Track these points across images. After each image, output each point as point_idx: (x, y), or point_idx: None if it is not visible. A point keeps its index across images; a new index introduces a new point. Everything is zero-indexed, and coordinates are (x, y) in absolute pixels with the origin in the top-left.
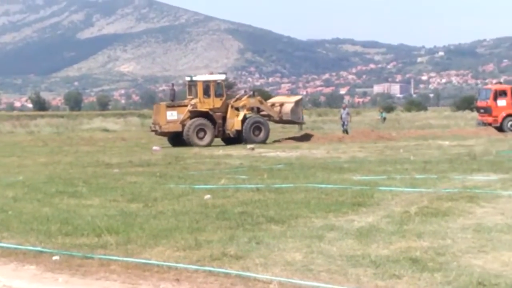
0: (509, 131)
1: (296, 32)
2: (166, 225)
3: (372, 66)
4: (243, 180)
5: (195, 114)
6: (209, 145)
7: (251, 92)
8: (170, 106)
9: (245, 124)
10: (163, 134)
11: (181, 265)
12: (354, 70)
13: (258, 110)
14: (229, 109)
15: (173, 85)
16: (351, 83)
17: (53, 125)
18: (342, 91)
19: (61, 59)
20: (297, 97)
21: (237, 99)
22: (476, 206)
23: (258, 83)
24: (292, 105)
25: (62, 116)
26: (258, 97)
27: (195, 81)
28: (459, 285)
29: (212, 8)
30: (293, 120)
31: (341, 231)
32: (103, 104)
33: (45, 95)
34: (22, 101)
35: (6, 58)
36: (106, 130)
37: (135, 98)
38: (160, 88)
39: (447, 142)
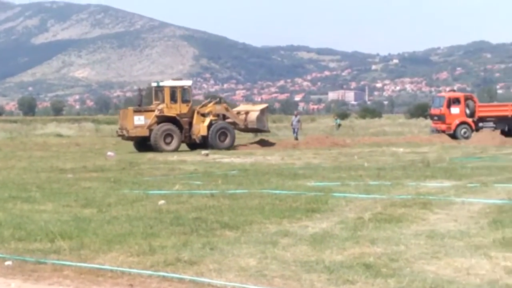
0: (462, 138)
1: (251, 38)
2: (120, 231)
3: (327, 73)
4: (197, 186)
5: (162, 119)
6: (176, 150)
7: (217, 99)
8: (137, 111)
9: (211, 129)
10: (130, 138)
11: (135, 270)
12: (309, 77)
13: (224, 117)
14: (195, 114)
15: (140, 90)
16: (306, 90)
17: (6, 130)
18: (297, 97)
19: (15, 64)
20: (263, 106)
21: (203, 105)
22: (430, 213)
23: (213, 90)
24: (257, 113)
25: (15, 121)
26: (224, 104)
27: (162, 87)
28: None
29: (168, 15)
30: (259, 128)
31: (295, 237)
32: (57, 110)
33: None
34: None
35: None
36: (60, 135)
37: (90, 103)
38: (115, 94)
39: (401, 149)
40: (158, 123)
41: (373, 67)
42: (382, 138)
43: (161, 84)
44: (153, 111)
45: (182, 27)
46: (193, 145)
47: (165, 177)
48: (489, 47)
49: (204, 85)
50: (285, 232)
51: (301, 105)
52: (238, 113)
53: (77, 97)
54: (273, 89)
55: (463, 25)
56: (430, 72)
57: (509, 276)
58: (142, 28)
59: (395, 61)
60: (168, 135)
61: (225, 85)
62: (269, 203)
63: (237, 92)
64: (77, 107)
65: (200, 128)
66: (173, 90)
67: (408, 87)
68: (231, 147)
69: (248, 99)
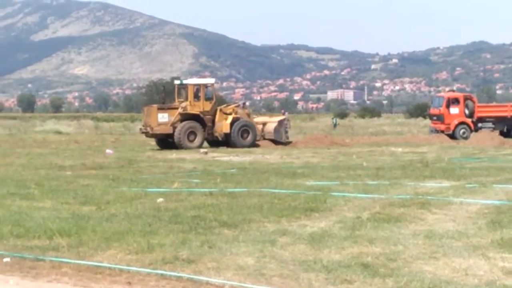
0: (461, 138)
1: (251, 37)
2: (119, 228)
3: (326, 72)
4: (196, 184)
5: (185, 116)
6: (199, 147)
7: (242, 103)
8: (161, 109)
9: (234, 127)
10: (154, 136)
11: (133, 268)
12: (308, 76)
13: None
14: (218, 112)
15: (164, 87)
16: (305, 89)
17: (5, 127)
18: (296, 96)
19: (14, 60)
20: (281, 117)
21: (226, 106)
22: (428, 213)
23: None
24: (275, 124)
25: (15, 118)
26: (247, 110)
27: (185, 84)
28: None
29: (167, 12)
30: (276, 139)
31: (293, 236)
32: (56, 107)
33: None
34: None
35: None
36: (59, 132)
37: (89, 101)
38: (114, 92)
39: (400, 149)
40: (181, 120)
41: (373, 66)
42: (381, 137)
43: (184, 82)
44: (177, 108)
45: (182, 25)
46: (216, 143)
47: (164, 175)
48: (489, 47)
49: None
50: (284, 231)
51: (300, 104)
52: (256, 123)
53: (76, 94)
54: (272, 88)
55: (463, 25)
56: (430, 72)
57: (507, 277)
58: (142, 26)
59: (395, 60)
60: (191, 132)
61: (225, 84)
62: (268, 202)
63: (236, 90)
64: (76, 104)
65: (223, 125)
66: (196, 88)
67: (408, 86)
68: (253, 144)
69: (247, 98)
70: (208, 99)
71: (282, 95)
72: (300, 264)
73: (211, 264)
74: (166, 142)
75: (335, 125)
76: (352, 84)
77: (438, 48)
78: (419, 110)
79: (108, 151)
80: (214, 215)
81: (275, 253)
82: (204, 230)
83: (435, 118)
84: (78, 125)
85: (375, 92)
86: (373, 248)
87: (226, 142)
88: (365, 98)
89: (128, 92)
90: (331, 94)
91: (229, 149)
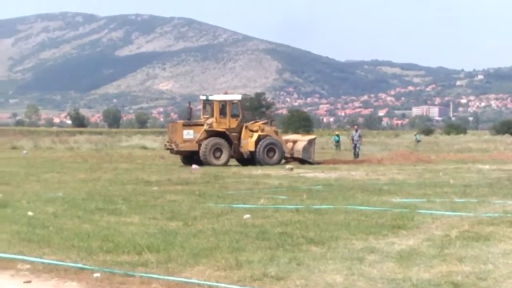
0: None
1: (335, 53)
2: (206, 244)
3: (411, 88)
4: (282, 200)
5: (211, 133)
6: (225, 164)
7: (270, 121)
8: (187, 125)
9: (259, 145)
10: (179, 152)
11: (222, 284)
12: (392, 92)
13: None
14: (244, 129)
15: (189, 103)
16: (390, 105)
17: (92, 142)
18: (381, 113)
19: (100, 76)
20: (311, 136)
21: (253, 122)
22: None
23: (296, 104)
24: (305, 143)
25: (101, 133)
26: (274, 128)
27: (211, 101)
28: None
29: (251, 28)
30: (304, 158)
31: (381, 254)
32: (141, 122)
33: (84, 112)
34: (62, 117)
35: (45, 74)
36: (144, 147)
37: (174, 116)
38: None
39: (487, 166)
40: (207, 137)
41: (458, 82)
42: (467, 154)
43: (210, 98)
44: (202, 125)
45: (266, 41)
46: (243, 160)
47: (250, 191)
48: None
49: (288, 99)
50: (372, 249)
51: (385, 120)
52: (286, 141)
53: (161, 109)
54: (356, 104)
55: None
56: None
57: None
58: (225, 42)
59: (480, 77)
60: (217, 149)
61: (308, 99)
62: (354, 219)
63: (321, 106)
64: (161, 119)
65: (248, 143)
66: (222, 104)
67: (493, 103)
68: (279, 163)
69: (331, 114)
70: (234, 115)
71: (367, 111)
72: (389, 283)
73: (300, 282)
74: (191, 159)
75: (418, 141)
76: (437, 100)
77: None
78: (506, 127)
79: (194, 166)
80: (301, 232)
81: (364, 271)
82: (291, 247)
83: None
84: (163, 141)
85: (460, 109)
86: (462, 267)
87: (251, 160)
88: (451, 114)
89: None
90: (416, 110)
91: (314, 165)
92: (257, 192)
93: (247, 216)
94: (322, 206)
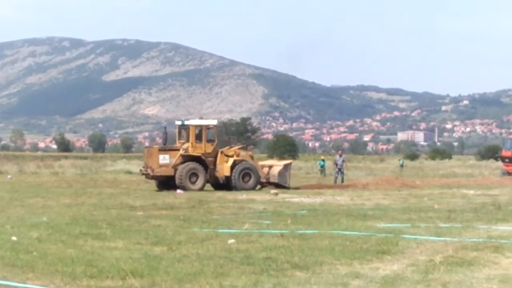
0: None
1: (321, 78)
2: (191, 269)
3: (396, 113)
4: (267, 225)
5: (187, 158)
6: (201, 189)
7: (245, 145)
8: (162, 150)
9: (234, 170)
10: (155, 177)
11: None
12: (378, 117)
13: None
14: (219, 154)
15: (165, 128)
16: (375, 130)
17: (77, 167)
18: (366, 138)
19: (86, 100)
20: (287, 161)
21: (229, 148)
22: (502, 257)
23: (282, 128)
24: (280, 168)
25: (86, 158)
26: (250, 153)
27: (187, 126)
28: None
29: (237, 53)
30: (280, 183)
31: (366, 279)
32: (127, 146)
33: (70, 137)
34: (47, 142)
35: (31, 99)
36: (129, 172)
37: (159, 141)
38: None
39: (471, 191)
40: (183, 162)
41: (443, 108)
42: (452, 180)
43: (186, 123)
44: (178, 150)
45: (252, 66)
46: (218, 185)
47: (235, 216)
48: None
49: (273, 124)
50: (356, 274)
51: (370, 145)
52: (262, 166)
53: (146, 134)
54: (342, 129)
55: None
56: (501, 114)
57: None
58: (211, 67)
59: (465, 102)
60: (193, 174)
61: (294, 124)
62: (339, 244)
63: (306, 131)
64: (147, 144)
65: (224, 168)
66: (198, 129)
67: (479, 128)
68: (255, 188)
69: (317, 139)
70: (210, 140)
71: (352, 136)
72: None
73: None
74: (166, 184)
75: (402, 166)
76: (422, 125)
77: (510, 89)
78: (491, 152)
79: (178, 191)
80: (285, 256)
81: None
82: (276, 272)
83: (507, 160)
84: None
85: (445, 134)
86: None
87: (227, 185)
88: (436, 139)
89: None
90: (401, 136)
91: (299, 190)
92: (242, 217)
93: (231, 241)
94: (307, 231)
